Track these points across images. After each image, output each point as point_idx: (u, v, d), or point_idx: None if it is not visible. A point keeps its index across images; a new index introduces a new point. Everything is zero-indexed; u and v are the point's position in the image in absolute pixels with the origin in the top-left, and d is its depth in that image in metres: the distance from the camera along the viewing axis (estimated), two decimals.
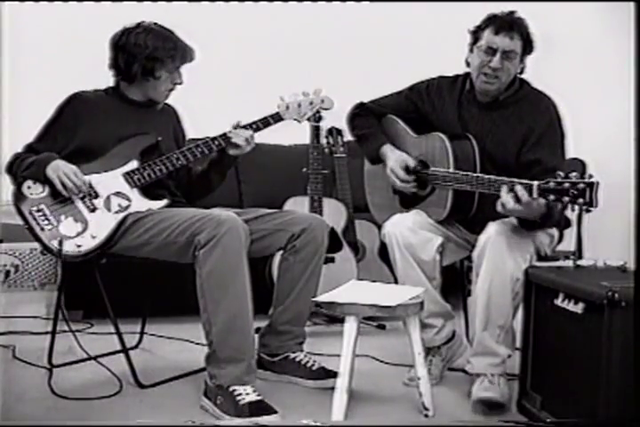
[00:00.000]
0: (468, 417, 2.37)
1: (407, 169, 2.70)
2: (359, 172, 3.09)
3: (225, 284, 2.35)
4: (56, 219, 2.55)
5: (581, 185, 2.14)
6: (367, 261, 3.59)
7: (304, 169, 3.53)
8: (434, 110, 2.74)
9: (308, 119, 2.87)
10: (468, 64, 2.65)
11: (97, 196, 2.58)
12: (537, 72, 2.65)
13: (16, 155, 2.63)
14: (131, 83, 2.68)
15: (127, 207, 2.58)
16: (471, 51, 2.61)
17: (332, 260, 3.36)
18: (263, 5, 4.39)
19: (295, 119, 2.76)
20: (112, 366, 2.66)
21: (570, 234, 2.82)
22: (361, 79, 4.23)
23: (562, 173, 2.18)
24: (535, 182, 2.24)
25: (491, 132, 2.63)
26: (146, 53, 2.60)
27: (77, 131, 2.63)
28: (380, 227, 2.84)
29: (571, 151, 2.67)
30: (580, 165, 4.00)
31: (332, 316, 3.33)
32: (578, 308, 2.09)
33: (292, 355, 2.70)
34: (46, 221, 2.54)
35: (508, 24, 2.52)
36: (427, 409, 2.37)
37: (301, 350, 2.73)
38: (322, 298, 2.40)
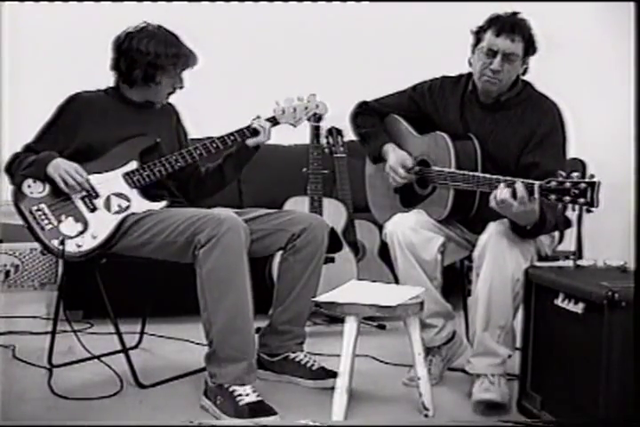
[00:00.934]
0: (468, 417, 2.37)
1: (407, 168, 2.71)
2: (359, 172, 3.09)
3: (225, 283, 2.35)
4: (56, 218, 2.55)
5: (583, 185, 2.14)
6: (367, 261, 3.59)
7: (304, 169, 3.53)
8: (436, 110, 2.74)
9: (308, 119, 2.88)
10: (470, 64, 2.65)
11: (97, 196, 2.58)
12: (537, 72, 2.65)
13: (15, 155, 2.63)
14: (131, 86, 2.68)
15: (127, 208, 2.58)
16: (473, 52, 2.61)
17: (332, 260, 3.36)
18: (263, 5, 4.39)
19: (290, 123, 2.80)
20: (112, 366, 2.65)
21: (570, 234, 2.83)
22: (361, 79, 4.23)
23: (563, 173, 2.18)
24: (537, 182, 2.24)
25: (492, 133, 2.62)
26: (147, 60, 2.59)
27: (78, 131, 2.63)
28: (380, 227, 2.84)
29: (571, 151, 2.66)
30: (580, 165, 4.00)
31: (332, 316, 3.33)
32: (578, 308, 2.09)
33: (292, 355, 2.70)
34: (46, 221, 2.54)
35: (510, 26, 2.51)
36: (427, 409, 2.37)
37: (301, 350, 2.73)
38: (322, 298, 2.40)
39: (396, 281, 2.67)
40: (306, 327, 2.77)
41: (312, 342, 2.86)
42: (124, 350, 2.63)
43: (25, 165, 2.55)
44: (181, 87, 2.70)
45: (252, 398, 2.32)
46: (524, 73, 2.63)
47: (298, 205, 3.49)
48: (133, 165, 2.63)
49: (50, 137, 2.65)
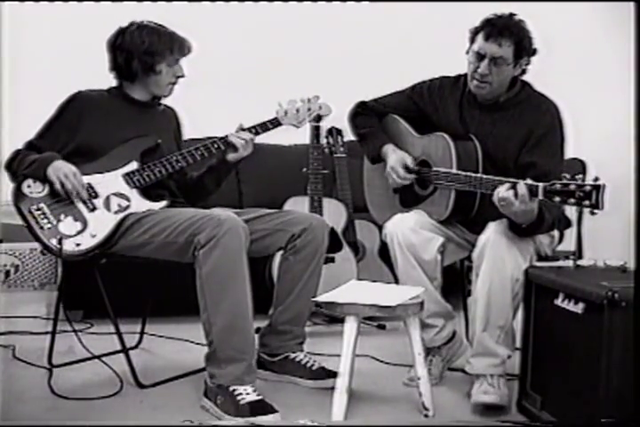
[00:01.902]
0: (468, 417, 2.37)
1: (407, 168, 2.71)
2: (359, 172, 3.09)
3: (225, 284, 2.35)
4: (55, 218, 2.55)
5: (588, 187, 2.13)
6: (367, 261, 3.59)
7: (304, 169, 3.53)
8: (435, 111, 2.74)
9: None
10: None
11: (97, 195, 2.58)
12: (537, 72, 2.65)
13: (16, 151, 2.63)
14: (133, 81, 2.68)
15: (127, 208, 2.58)
16: (467, 53, 2.61)
17: (332, 260, 3.36)
18: (263, 5, 4.39)
19: (293, 125, 2.79)
20: (112, 366, 2.65)
21: (570, 234, 2.82)
22: (361, 79, 4.23)
23: (567, 175, 2.18)
24: (541, 184, 2.24)
25: (491, 133, 2.62)
26: (143, 49, 2.61)
27: (79, 129, 2.64)
28: (380, 227, 2.84)
29: (571, 151, 2.66)
30: (580, 165, 4.01)
31: (332, 316, 3.33)
32: (578, 308, 2.09)
33: (292, 355, 2.70)
34: (45, 220, 2.54)
35: (499, 30, 2.49)
36: (427, 409, 2.37)
37: (301, 350, 2.73)
38: (322, 298, 2.40)
39: (396, 281, 2.67)
40: (306, 327, 2.76)
41: (312, 342, 2.86)
42: (124, 350, 2.63)
43: (26, 165, 2.55)
44: (182, 76, 2.70)
45: (253, 397, 2.32)
46: (522, 74, 2.63)
47: (298, 205, 3.49)
48: (134, 165, 2.63)
49: (51, 134, 2.65)
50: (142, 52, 2.61)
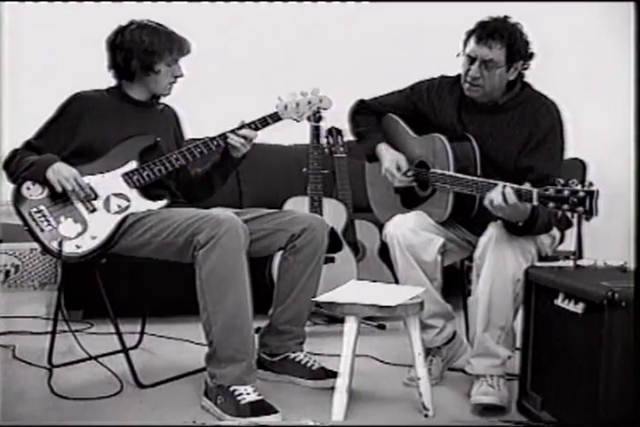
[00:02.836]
0: (468, 417, 2.37)
1: (400, 169, 2.71)
2: (359, 172, 3.09)
3: (224, 284, 2.35)
4: (55, 220, 2.55)
5: (581, 193, 2.10)
6: (367, 261, 3.58)
7: (304, 169, 3.53)
8: (433, 111, 2.74)
9: (308, 119, 2.87)
10: None
11: (96, 196, 2.58)
12: (537, 73, 2.64)
13: (14, 151, 2.63)
14: (132, 80, 2.68)
15: (127, 208, 2.58)
16: (457, 55, 2.59)
17: (332, 260, 3.36)
18: (263, 5, 4.39)
19: (294, 119, 2.76)
20: (112, 366, 2.66)
21: (570, 234, 2.82)
22: (360, 79, 4.23)
23: (561, 180, 2.16)
24: (535, 189, 2.22)
25: (491, 135, 2.61)
26: (142, 48, 2.60)
27: (78, 130, 2.64)
28: (380, 226, 2.84)
29: (571, 151, 2.66)
30: (580, 165, 4.01)
31: (332, 316, 3.33)
32: (578, 308, 2.09)
33: (292, 355, 2.70)
34: (46, 222, 2.54)
35: (489, 33, 2.47)
36: (427, 409, 2.37)
37: (301, 350, 2.73)
38: (322, 298, 2.40)
39: (396, 281, 2.67)
40: (306, 327, 2.76)
41: (312, 342, 2.85)
42: (124, 350, 2.63)
43: (25, 167, 2.55)
44: (181, 75, 2.70)
45: (254, 397, 2.32)
46: (521, 76, 2.60)
47: (298, 205, 3.48)
48: (133, 164, 2.63)
49: (50, 135, 2.65)
50: (142, 51, 2.61)
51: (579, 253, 3.36)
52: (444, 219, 2.63)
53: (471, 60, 2.52)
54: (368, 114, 2.89)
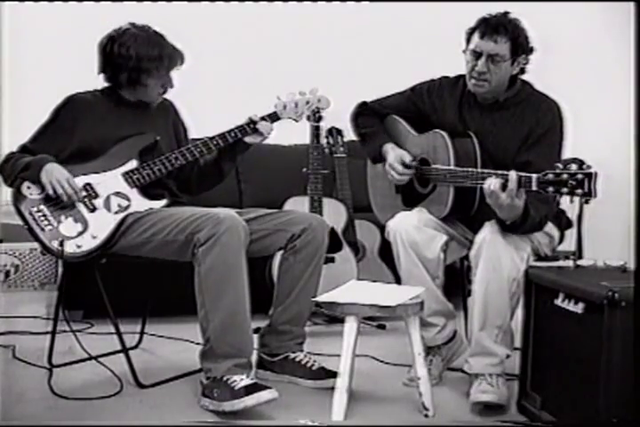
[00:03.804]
0: (468, 417, 2.38)
1: (405, 164, 2.71)
2: (359, 172, 3.09)
3: (223, 281, 2.35)
4: (56, 219, 2.55)
5: (580, 176, 2.13)
6: (367, 261, 3.59)
7: (304, 169, 3.53)
8: (435, 111, 2.74)
9: (308, 119, 2.86)
10: None
11: (97, 196, 2.58)
12: (537, 72, 2.65)
13: (9, 155, 2.63)
14: (120, 88, 2.69)
15: (127, 207, 2.58)
16: (464, 52, 2.61)
17: (332, 260, 3.36)
18: (263, 5, 4.39)
19: (292, 118, 2.77)
20: (112, 366, 2.66)
21: (570, 234, 2.82)
22: (360, 79, 4.24)
23: (560, 165, 2.18)
24: (534, 175, 2.24)
25: (491, 133, 2.62)
26: (130, 65, 2.59)
27: (75, 132, 2.63)
28: (381, 227, 2.84)
29: (570, 151, 2.66)
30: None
31: (332, 316, 3.33)
32: (578, 308, 2.09)
33: (292, 355, 2.70)
34: (46, 222, 2.54)
35: (493, 27, 2.50)
36: (427, 409, 2.37)
37: (301, 350, 2.73)
38: (322, 298, 2.40)
39: (397, 281, 2.67)
40: (306, 327, 2.76)
41: (312, 342, 2.86)
42: (124, 350, 2.63)
43: (20, 168, 2.55)
44: (171, 87, 2.70)
45: (247, 381, 2.32)
46: (521, 73, 2.63)
47: (298, 205, 3.48)
48: (133, 164, 2.63)
49: (46, 138, 2.64)
50: (130, 67, 2.59)
51: (579, 253, 3.36)
52: (444, 215, 2.63)
53: (477, 55, 2.53)
54: (371, 115, 2.89)
